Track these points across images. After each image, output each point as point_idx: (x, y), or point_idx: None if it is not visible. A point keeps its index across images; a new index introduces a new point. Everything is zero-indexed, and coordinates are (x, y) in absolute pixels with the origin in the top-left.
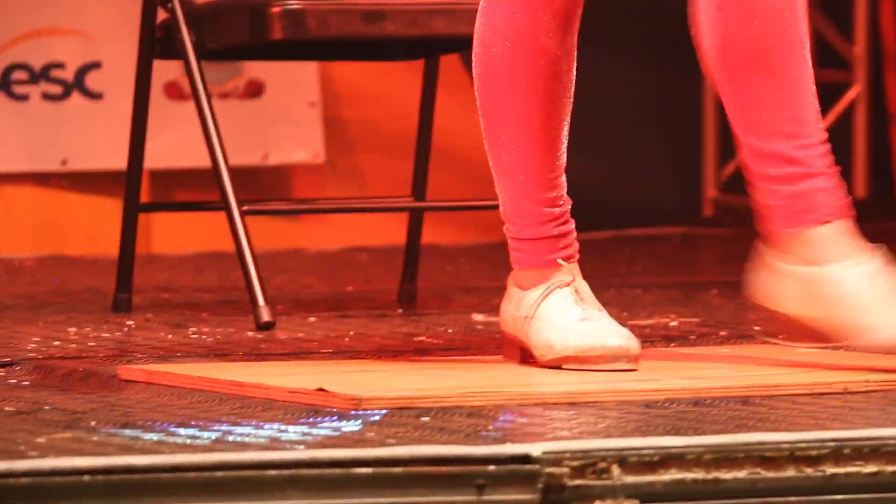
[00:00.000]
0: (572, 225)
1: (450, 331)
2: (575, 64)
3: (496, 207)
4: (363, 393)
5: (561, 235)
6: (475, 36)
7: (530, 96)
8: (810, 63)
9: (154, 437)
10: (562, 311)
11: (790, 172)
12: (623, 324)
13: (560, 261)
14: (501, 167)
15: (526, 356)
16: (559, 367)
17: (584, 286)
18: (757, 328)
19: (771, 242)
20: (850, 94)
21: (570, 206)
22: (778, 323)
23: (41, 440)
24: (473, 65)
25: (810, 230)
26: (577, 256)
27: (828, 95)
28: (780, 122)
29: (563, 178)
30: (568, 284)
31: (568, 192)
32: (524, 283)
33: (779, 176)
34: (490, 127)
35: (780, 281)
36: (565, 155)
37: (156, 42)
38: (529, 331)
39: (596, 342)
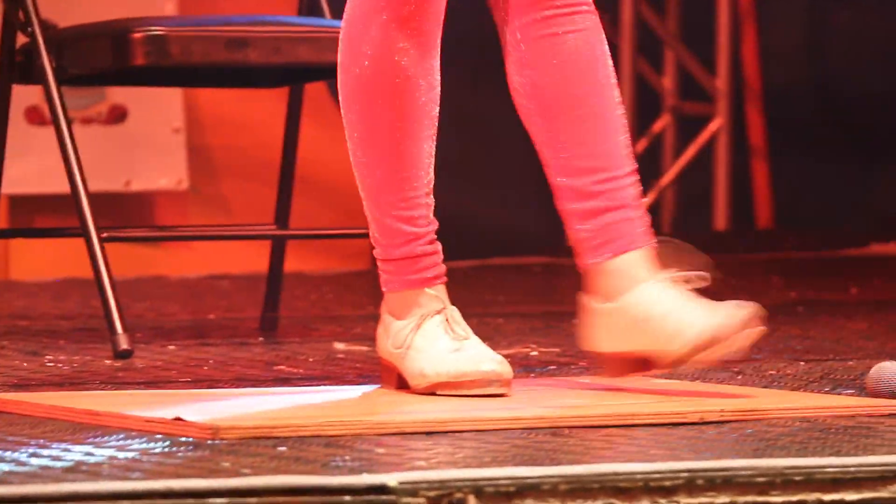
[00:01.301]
0: (438, 246)
1: (311, 359)
2: (437, 85)
3: (360, 236)
4: (220, 422)
5: (424, 255)
6: (338, 59)
7: (387, 115)
8: (617, 100)
9: (4, 467)
10: (434, 342)
11: (593, 207)
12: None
13: (427, 290)
14: (365, 187)
15: (403, 383)
16: (433, 394)
17: (453, 312)
18: (585, 373)
19: (585, 285)
20: (712, 127)
21: (435, 228)
22: (603, 362)
23: None
24: (338, 87)
25: (612, 261)
26: (445, 279)
27: (690, 128)
28: (582, 158)
29: (429, 198)
30: (439, 312)
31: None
32: (395, 309)
33: (583, 211)
34: (353, 147)
35: (594, 322)
36: (430, 175)
37: (15, 66)
38: (404, 362)
39: (468, 367)
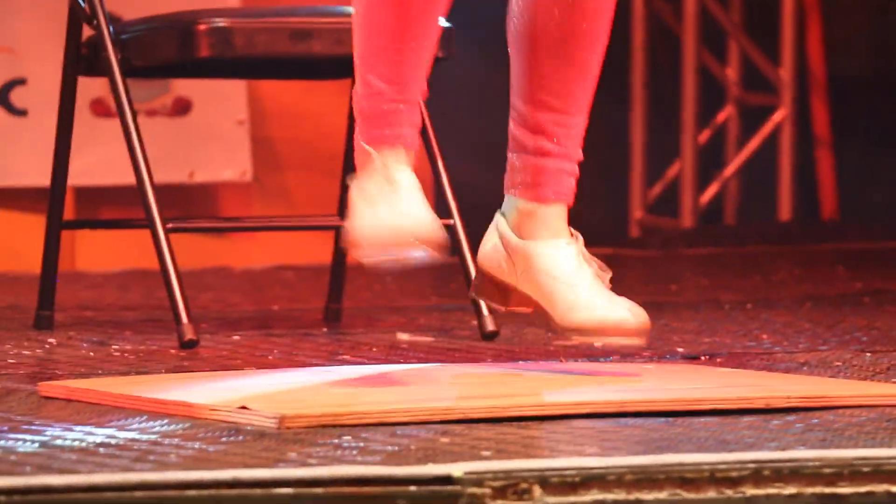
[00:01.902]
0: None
1: (374, 349)
2: None
3: None
4: (286, 410)
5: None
6: None
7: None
8: (603, 52)
9: (73, 456)
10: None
11: (538, 145)
12: (548, 344)
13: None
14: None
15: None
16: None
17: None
18: (473, 292)
19: (506, 207)
20: (776, 118)
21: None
22: (492, 287)
23: None
24: None
25: (534, 204)
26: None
27: (754, 118)
28: (551, 93)
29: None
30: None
31: None
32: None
33: (527, 143)
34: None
35: (499, 248)
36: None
37: (81, 59)
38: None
39: (614, 315)
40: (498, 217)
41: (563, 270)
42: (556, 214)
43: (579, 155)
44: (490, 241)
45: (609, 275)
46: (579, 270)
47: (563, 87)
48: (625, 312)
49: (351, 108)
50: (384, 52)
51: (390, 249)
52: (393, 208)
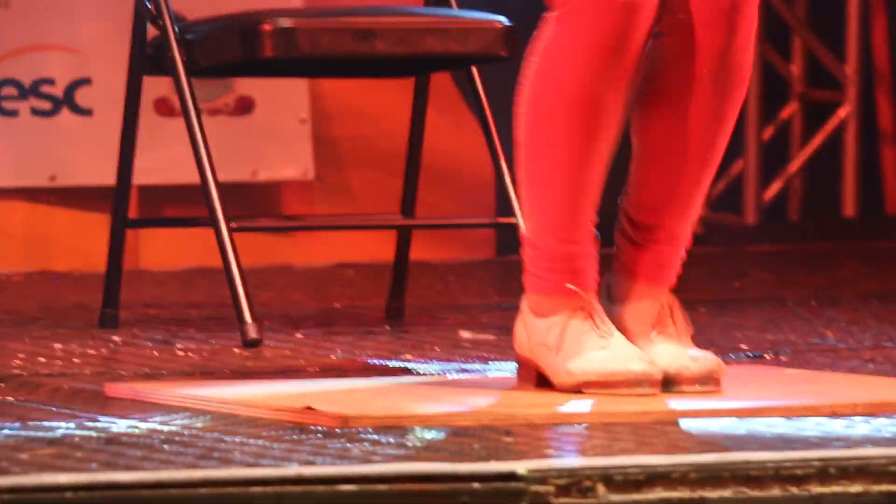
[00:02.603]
0: (595, 256)
1: (437, 348)
2: (622, 112)
3: (485, 226)
4: (349, 411)
5: (582, 270)
6: (528, 71)
7: (577, 138)
8: (729, 134)
9: (138, 453)
10: (579, 337)
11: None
12: None
13: (574, 287)
14: (536, 191)
15: (542, 381)
16: (579, 392)
17: (600, 310)
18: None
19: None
20: (841, 113)
21: (595, 237)
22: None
23: (24, 456)
24: (523, 94)
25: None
26: (596, 286)
27: (819, 114)
28: (662, 202)
29: (594, 216)
30: (584, 310)
31: None
32: (538, 308)
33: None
34: (529, 160)
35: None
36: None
37: (146, 59)
38: (548, 360)
39: (616, 367)
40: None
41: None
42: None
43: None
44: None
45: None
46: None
47: (674, 198)
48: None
49: (415, 107)
50: (569, 206)
51: (622, 389)
52: (616, 350)
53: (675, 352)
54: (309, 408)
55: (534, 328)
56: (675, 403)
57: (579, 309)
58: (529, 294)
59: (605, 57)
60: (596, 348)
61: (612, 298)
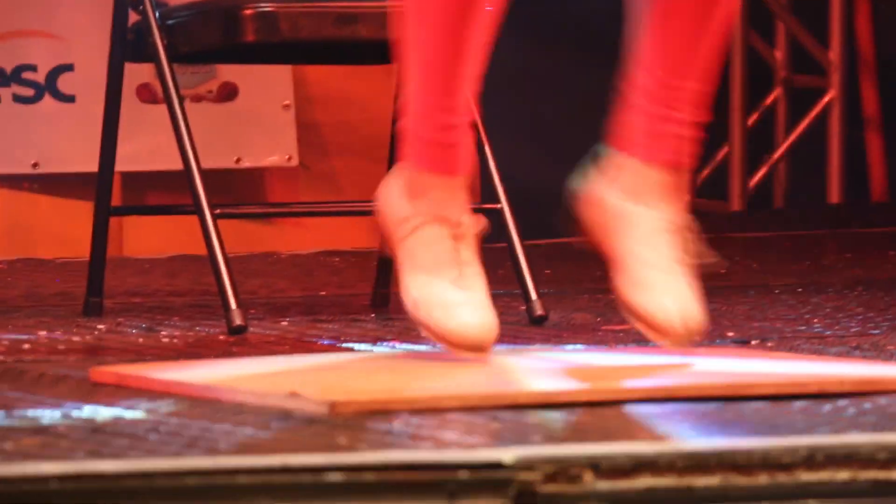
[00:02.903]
0: (470, 139)
1: (423, 335)
2: None
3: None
4: (336, 396)
5: (455, 144)
6: None
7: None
8: (732, 21)
9: (124, 441)
10: (436, 258)
11: (661, 113)
12: (597, 329)
13: (448, 178)
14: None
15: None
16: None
17: (469, 240)
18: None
19: (613, 135)
20: (825, 99)
21: (471, 119)
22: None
23: (8, 445)
24: None
25: (648, 166)
26: (468, 174)
27: (803, 100)
28: (679, 65)
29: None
30: (449, 226)
31: (548, 197)
32: (408, 184)
33: (650, 111)
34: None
35: (597, 208)
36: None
37: (128, 45)
38: (399, 249)
39: (457, 327)
40: (593, 170)
41: (646, 246)
42: (666, 179)
43: (701, 118)
44: (588, 191)
45: (706, 261)
46: (660, 248)
47: (694, 58)
48: (673, 313)
49: (398, 92)
50: (442, 74)
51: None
52: (470, 313)
53: (687, 297)
54: (295, 393)
55: (396, 205)
56: (665, 381)
57: (446, 223)
58: (402, 167)
59: None
60: (447, 286)
61: (625, 192)
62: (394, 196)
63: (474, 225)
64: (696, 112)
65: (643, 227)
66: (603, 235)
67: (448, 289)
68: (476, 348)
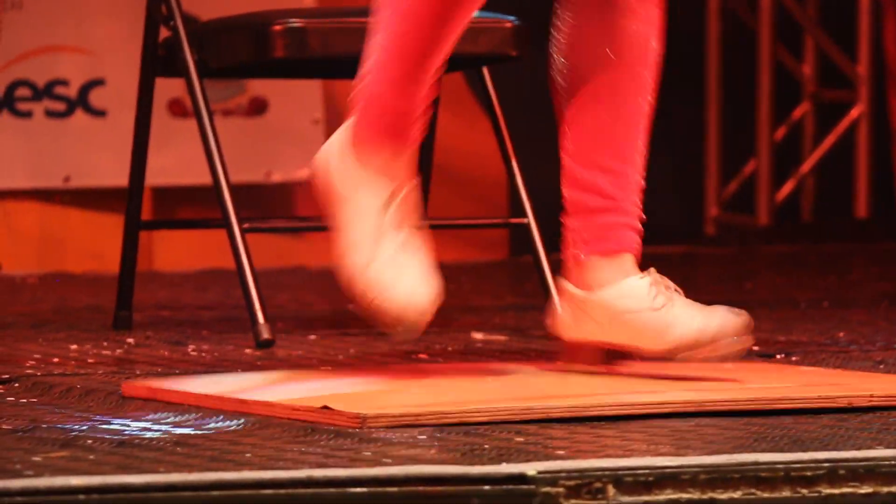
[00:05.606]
0: (421, 122)
1: (449, 349)
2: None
3: (497, 226)
4: (367, 410)
5: (405, 127)
6: None
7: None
8: (651, 103)
9: (151, 455)
10: (380, 228)
11: (595, 204)
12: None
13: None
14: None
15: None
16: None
17: (417, 215)
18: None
19: (568, 272)
20: (853, 113)
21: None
22: (568, 350)
23: (37, 458)
24: None
25: (598, 258)
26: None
27: (831, 114)
28: (601, 152)
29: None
30: (401, 195)
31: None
32: (361, 152)
33: (583, 204)
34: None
35: (568, 308)
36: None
37: (158, 60)
38: (343, 215)
39: (407, 301)
40: (558, 285)
41: (644, 301)
42: (623, 262)
43: (638, 208)
44: (561, 309)
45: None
46: (660, 296)
47: (615, 144)
48: (723, 316)
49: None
50: (418, 49)
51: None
52: (415, 283)
53: (721, 311)
54: (326, 407)
55: (341, 166)
56: (693, 395)
57: (393, 187)
58: (351, 129)
59: None
60: (393, 249)
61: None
62: (340, 156)
63: (417, 190)
64: (635, 203)
65: (633, 294)
66: (601, 335)
67: (395, 252)
68: (420, 315)
